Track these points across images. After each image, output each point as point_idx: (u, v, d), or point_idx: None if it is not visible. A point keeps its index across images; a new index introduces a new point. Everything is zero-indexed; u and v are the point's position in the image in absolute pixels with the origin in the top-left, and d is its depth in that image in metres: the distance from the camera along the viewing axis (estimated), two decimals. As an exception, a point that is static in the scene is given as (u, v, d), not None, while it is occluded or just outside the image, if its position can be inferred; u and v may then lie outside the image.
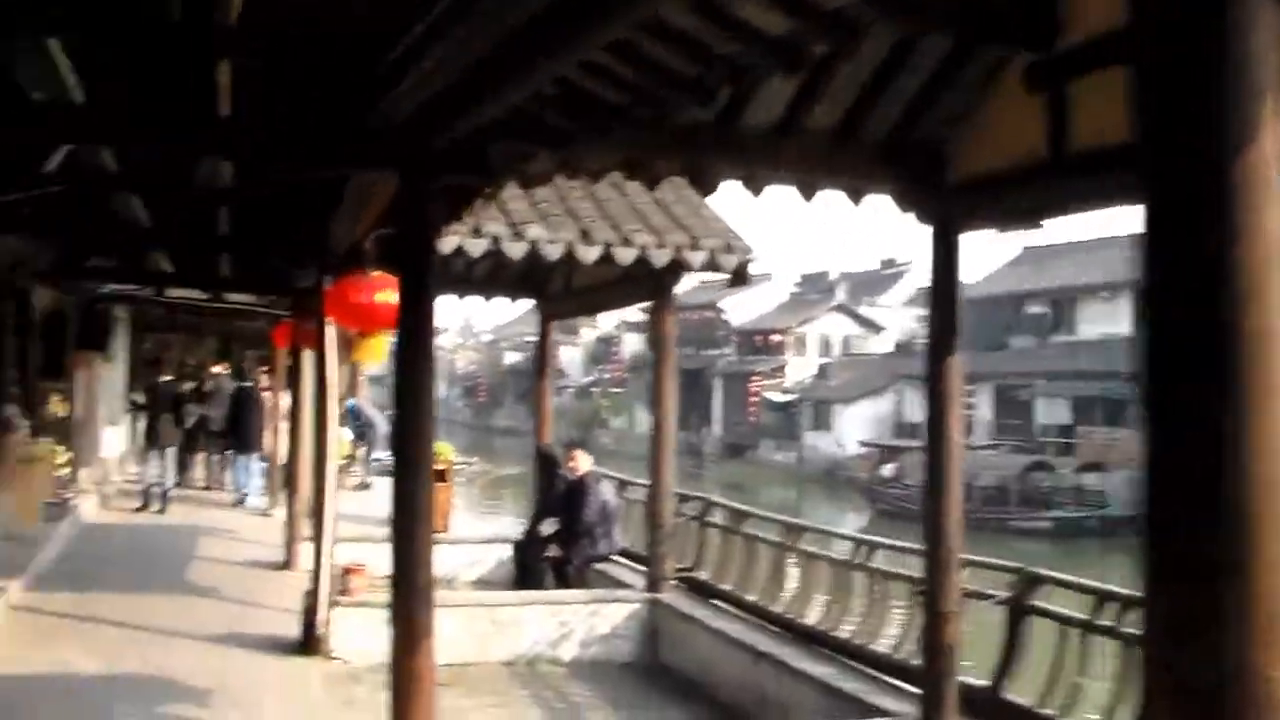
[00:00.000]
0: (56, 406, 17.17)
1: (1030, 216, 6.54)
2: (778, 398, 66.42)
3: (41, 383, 16.92)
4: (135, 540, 16.31)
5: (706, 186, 6.82)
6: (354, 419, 23.57)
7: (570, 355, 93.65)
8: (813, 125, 6.30)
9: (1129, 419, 44.90)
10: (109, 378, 21.89)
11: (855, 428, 59.48)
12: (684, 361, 73.10)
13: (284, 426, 19.28)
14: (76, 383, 18.54)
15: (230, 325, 25.55)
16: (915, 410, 57.13)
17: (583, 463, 13.87)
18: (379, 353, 10.70)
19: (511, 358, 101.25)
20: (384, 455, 25.46)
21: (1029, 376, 51.04)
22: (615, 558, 13.81)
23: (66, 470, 17.23)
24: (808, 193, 6.66)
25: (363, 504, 20.51)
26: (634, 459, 66.23)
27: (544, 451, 15.02)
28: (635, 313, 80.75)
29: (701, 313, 70.98)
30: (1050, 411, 50.57)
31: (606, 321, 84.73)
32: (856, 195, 6.84)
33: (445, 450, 19.83)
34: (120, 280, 17.49)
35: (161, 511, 18.69)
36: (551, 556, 13.52)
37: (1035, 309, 55.43)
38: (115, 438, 22.69)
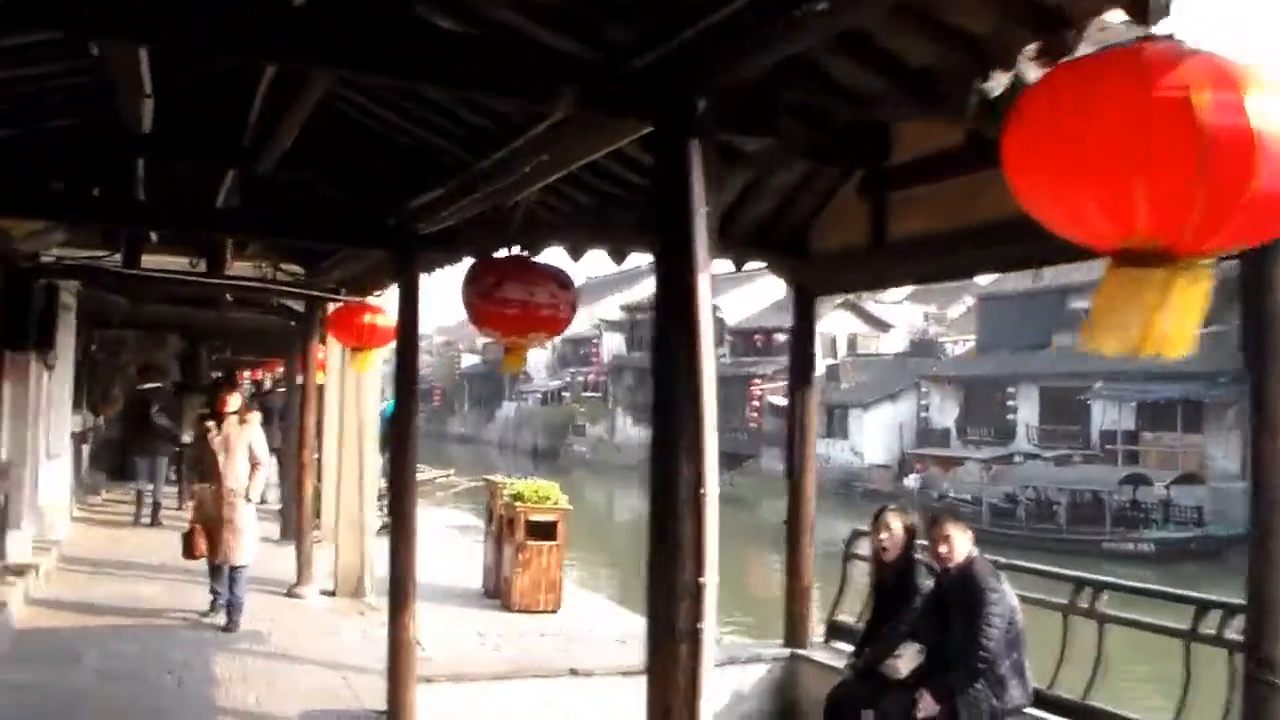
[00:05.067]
0: (-33, 440, 10.50)
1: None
2: (782, 401, 60.32)
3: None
4: (104, 673, 9.50)
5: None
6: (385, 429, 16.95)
7: (535, 357, 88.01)
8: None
9: (1203, 422, 39.86)
10: (50, 390, 14.99)
11: (874, 435, 53.77)
12: (671, 364, 67.89)
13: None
14: (2, 401, 11.86)
15: (224, 319, 18.93)
16: (942, 415, 52.07)
17: (959, 544, 7.48)
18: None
19: (468, 360, 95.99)
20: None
21: (1079, 377, 44.91)
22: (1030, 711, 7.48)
23: (-16, 546, 10.54)
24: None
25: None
26: (618, 471, 62.14)
27: (884, 522, 8.34)
28: (614, 310, 76.42)
29: (692, 310, 65.02)
30: (1109, 415, 44.45)
31: (576, 323, 78.48)
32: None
33: (552, 493, 13.57)
34: (70, 215, 10.04)
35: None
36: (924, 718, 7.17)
37: (1080, 304, 49.38)
38: (58, 474, 15.89)
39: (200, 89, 7.35)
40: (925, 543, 7.83)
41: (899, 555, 8.03)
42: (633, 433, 71.18)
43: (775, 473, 54.58)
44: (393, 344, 9.33)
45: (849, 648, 8.85)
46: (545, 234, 7.45)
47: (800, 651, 9.23)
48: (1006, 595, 7.37)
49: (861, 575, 9.71)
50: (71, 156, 8.23)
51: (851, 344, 63.99)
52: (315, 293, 13.03)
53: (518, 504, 12.96)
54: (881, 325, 64.64)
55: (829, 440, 56.76)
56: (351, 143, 7.81)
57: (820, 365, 60.09)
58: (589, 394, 79.37)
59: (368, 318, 11.01)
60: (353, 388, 13.21)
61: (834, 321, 63.73)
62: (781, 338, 63.22)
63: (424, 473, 18.26)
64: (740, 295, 67.41)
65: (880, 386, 56.08)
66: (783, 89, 4.33)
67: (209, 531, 11.29)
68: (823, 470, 53.45)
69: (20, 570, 11.98)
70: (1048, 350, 48.42)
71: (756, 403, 61.65)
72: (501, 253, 7.55)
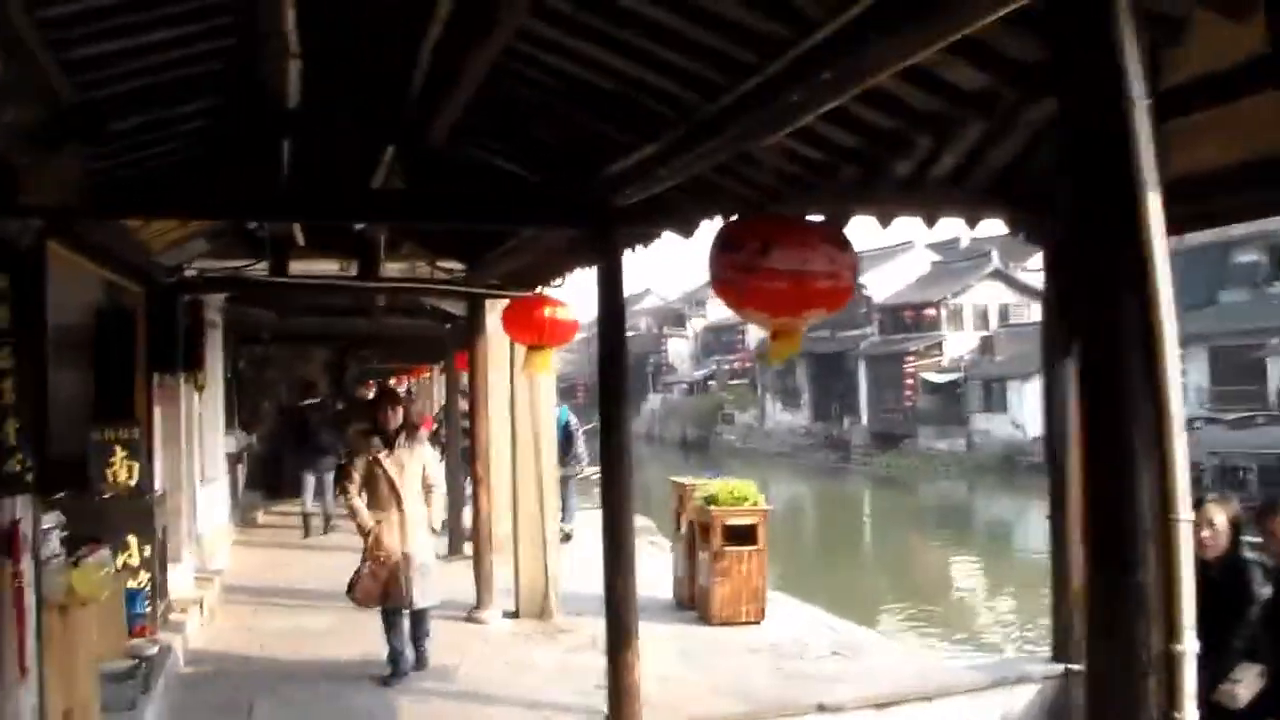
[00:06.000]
0: (119, 470, 9.53)
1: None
2: (935, 378, 58.48)
3: (98, 432, 9.43)
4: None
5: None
6: (562, 437, 15.57)
7: (678, 348, 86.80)
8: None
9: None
10: (201, 412, 14.05)
11: (1035, 407, 51.56)
12: (819, 345, 66.18)
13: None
14: (153, 426, 10.88)
15: (374, 327, 18.17)
16: (1107, 383, 49.80)
17: (1298, 538, 6.10)
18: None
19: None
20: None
21: (1251, 334, 42.42)
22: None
23: (144, 583, 9.53)
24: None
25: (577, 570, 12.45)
26: (770, 459, 60.64)
27: (1205, 515, 6.89)
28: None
29: (837, 289, 63.25)
30: (1280, 373, 42.04)
31: (717, 311, 77.15)
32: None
33: (749, 492, 12.36)
34: (210, 211, 8.03)
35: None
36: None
37: (1246, 257, 46.67)
38: (215, 499, 15.00)
39: (354, 47, 6.24)
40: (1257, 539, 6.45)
41: (1223, 554, 6.61)
42: (783, 419, 69.83)
43: (932, 452, 53.20)
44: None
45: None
46: (809, 196, 5.96)
47: (1075, 666, 7.89)
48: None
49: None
50: (209, 143, 7.16)
51: (1003, 314, 61.69)
52: (481, 290, 11.88)
53: (712, 508, 11.76)
54: (1033, 294, 62.10)
55: (987, 415, 54.92)
56: (533, 102, 6.58)
57: (974, 339, 58.70)
58: (735, 381, 77.78)
59: (547, 311, 9.80)
60: (524, 390, 12.06)
61: (984, 292, 61.64)
62: (931, 313, 61.35)
63: (584, 471, 17.15)
64: (887, 271, 65.55)
65: (1037, 357, 53.84)
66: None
67: (388, 574, 9.48)
68: (983, 445, 51.96)
69: (183, 608, 11.04)
70: (1214, 307, 45.92)
71: (910, 381, 59.50)
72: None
